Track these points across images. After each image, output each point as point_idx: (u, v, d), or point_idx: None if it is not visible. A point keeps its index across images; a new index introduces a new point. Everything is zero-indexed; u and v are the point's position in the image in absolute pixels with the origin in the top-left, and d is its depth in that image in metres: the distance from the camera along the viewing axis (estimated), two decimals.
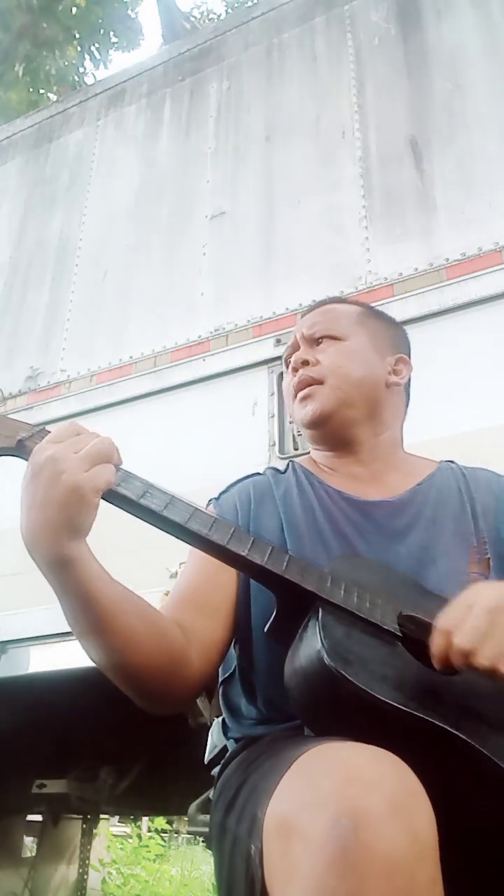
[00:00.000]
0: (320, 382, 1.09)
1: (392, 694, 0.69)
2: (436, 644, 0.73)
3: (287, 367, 1.17)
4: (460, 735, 0.65)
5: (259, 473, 1.13)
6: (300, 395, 1.09)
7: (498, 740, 0.67)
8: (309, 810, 0.54)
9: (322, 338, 1.13)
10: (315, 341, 1.13)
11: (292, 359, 1.13)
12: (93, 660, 0.85)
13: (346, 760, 0.58)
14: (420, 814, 0.54)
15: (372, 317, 1.20)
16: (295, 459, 1.18)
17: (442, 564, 0.95)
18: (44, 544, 0.76)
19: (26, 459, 0.81)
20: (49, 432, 0.83)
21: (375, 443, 1.10)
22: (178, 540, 0.85)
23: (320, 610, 0.78)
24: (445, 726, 0.66)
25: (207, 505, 1.09)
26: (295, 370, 1.11)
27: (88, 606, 0.79)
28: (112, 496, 0.81)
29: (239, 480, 1.12)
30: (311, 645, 0.75)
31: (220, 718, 1.06)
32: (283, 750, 0.74)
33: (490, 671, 0.69)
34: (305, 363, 1.10)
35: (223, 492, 1.11)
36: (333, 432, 1.10)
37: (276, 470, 1.14)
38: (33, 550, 0.77)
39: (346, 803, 0.53)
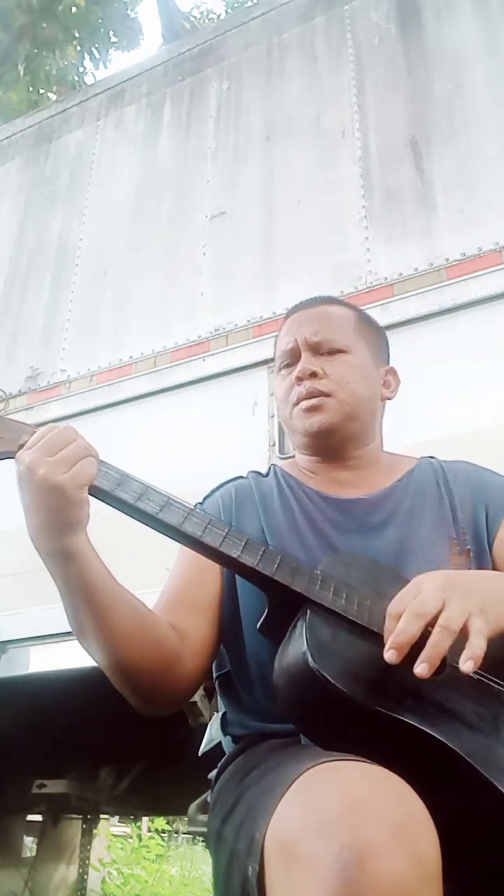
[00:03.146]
0: (328, 395, 1.07)
1: (373, 696, 0.70)
2: (388, 629, 0.73)
3: (281, 368, 1.14)
4: (437, 736, 0.66)
5: (242, 477, 1.15)
6: (306, 404, 1.07)
7: (474, 741, 0.68)
8: (312, 837, 0.55)
9: (331, 350, 1.10)
10: (323, 352, 1.10)
11: (298, 368, 1.09)
12: (93, 658, 0.87)
13: (348, 784, 0.59)
14: (424, 838, 0.55)
15: (364, 324, 1.19)
16: (277, 463, 1.20)
17: (420, 556, 0.96)
18: (43, 542, 0.81)
19: None
20: None
21: (363, 452, 1.12)
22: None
23: (308, 611, 0.80)
24: (423, 727, 0.67)
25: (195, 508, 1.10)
26: (300, 380, 1.08)
27: (88, 601, 0.82)
28: (110, 499, 0.83)
29: (222, 484, 1.14)
30: (297, 646, 0.77)
31: (221, 713, 1.07)
32: (280, 765, 0.74)
33: (460, 625, 0.70)
34: (314, 374, 1.08)
35: (207, 496, 1.13)
36: (332, 445, 1.10)
37: (259, 473, 1.15)
38: (36, 547, 0.82)
39: (350, 832, 0.53)
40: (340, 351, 1.10)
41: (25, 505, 0.81)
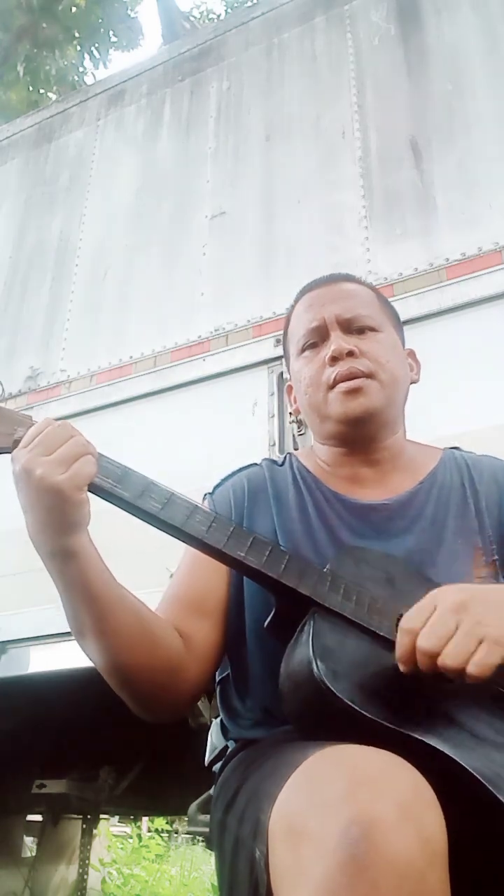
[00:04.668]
0: (369, 376, 0.99)
1: (378, 709, 0.68)
2: (400, 644, 0.72)
3: (304, 349, 1.05)
4: (443, 750, 0.64)
5: (255, 464, 1.09)
6: (347, 386, 0.98)
7: (485, 755, 0.66)
8: (318, 814, 0.54)
9: (363, 328, 1.03)
10: (354, 329, 1.03)
11: (332, 348, 1.00)
12: (93, 661, 0.85)
13: (355, 764, 0.58)
14: (430, 818, 0.54)
15: (385, 302, 1.12)
16: (293, 453, 1.13)
17: (443, 568, 0.91)
18: (43, 542, 0.79)
19: None
20: None
21: (390, 443, 1.05)
22: (177, 541, 0.85)
23: (315, 615, 0.78)
24: (429, 741, 0.65)
25: (203, 500, 1.05)
26: (335, 360, 0.99)
27: (87, 602, 0.80)
28: (109, 496, 0.81)
29: (234, 473, 1.08)
30: (302, 653, 0.75)
31: (219, 719, 1.05)
32: (284, 752, 0.73)
33: (457, 673, 0.68)
34: (351, 354, 0.99)
35: (217, 485, 1.08)
36: (367, 433, 1.02)
37: (273, 462, 1.09)
38: (36, 546, 0.80)
39: (357, 808, 0.52)
40: (372, 329, 1.03)
41: (23, 505, 0.79)
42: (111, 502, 0.81)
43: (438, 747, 0.65)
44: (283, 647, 0.79)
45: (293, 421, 2.18)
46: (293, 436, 2.20)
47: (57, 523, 0.77)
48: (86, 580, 0.79)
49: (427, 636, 0.70)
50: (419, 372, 1.13)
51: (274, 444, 2.23)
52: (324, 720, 0.71)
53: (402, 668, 0.72)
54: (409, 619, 0.73)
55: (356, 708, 0.68)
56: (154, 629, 0.85)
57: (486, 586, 0.81)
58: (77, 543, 0.79)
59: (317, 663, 0.71)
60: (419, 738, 0.66)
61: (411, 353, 1.13)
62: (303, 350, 1.06)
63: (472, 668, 0.68)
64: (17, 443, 0.81)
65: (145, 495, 0.80)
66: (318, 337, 1.04)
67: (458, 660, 0.68)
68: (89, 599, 0.80)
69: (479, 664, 0.68)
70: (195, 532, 0.80)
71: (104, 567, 0.82)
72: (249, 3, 3.47)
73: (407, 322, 2.30)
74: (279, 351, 2.34)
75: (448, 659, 0.68)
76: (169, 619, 0.90)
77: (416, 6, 2.80)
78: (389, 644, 0.78)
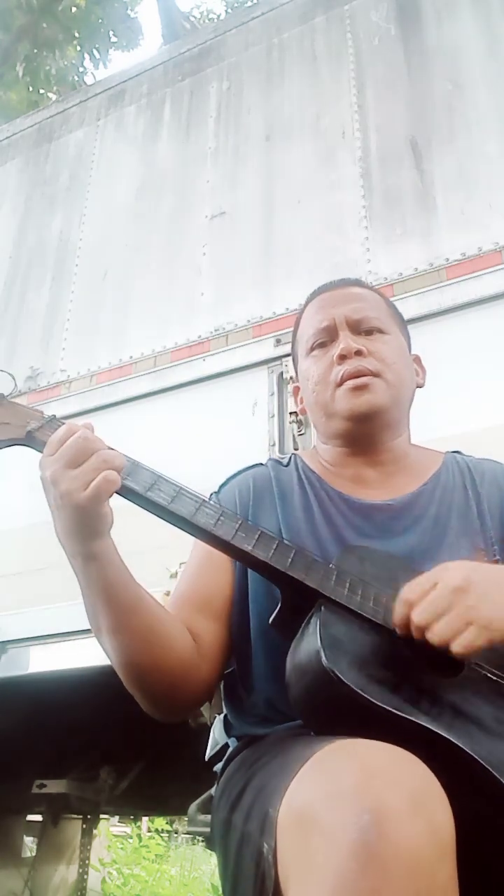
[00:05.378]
0: (376, 374, 1.01)
1: (387, 697, 0.69)
2: (397, 613, 0.77)
3: (313, 348, 1.08)
4: (451, 739, 0.65)
5: (261, 464, 1.11)
6: (354, 383, 1.00)
7: (491, 745, 0.67)
8: (330, 804, 0.54)
9: (371, 329, 1.06)
10: (362, 331, 1.06)
11: (340, 346, 1.02)
12: (109, 658, 0.87)
13: (366, 757, 0.58)
14: (440, 811, 0.55)
15: (393, 308, 1.15)
16: (298, 453, 1.15)
17: None
18: (67, 544, 0.83)
19: (38, 450, 0.85)
20: (61, 422, 0.86)
21: (393, 445, 1.07)
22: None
23: (322, 608, 0.79)
24: (437, 730, 0.66)
25: (208, 498, 1.07)
26: (343, 358, 1.02)
27: (107, 602, 0.83)
28: (119, 489, 0.83)
29: (239, 472, 1.10)
30: (310, 643, 0.75)
31: (223, 716, 1.06)
32: (291, 748, 0.74)
33: (441, 647, 0.72)
34: (359, 353, 1.02)
35: (223, 484, 1.10)
36: (371, 432, 1.04)
37: (278, 462, 1.11)
38: (62, 546, 0.84)
39: (369, 798, 0.53)
40: (380, 331, 1.06)
41: (50, 510, 0.83)
42: (122, 495, 0.84)
43: (445, 735, 0.65)
44: (288, 642, 0.80)
45: (293, 421, 2.18)
46: (293, 436, 2.20)
47: (79, 530, 0.81)
48: (106, 581, 0.83)
49: (421, 612, 0.74)
50: (425, 377, 1.16)
51: (274, 444, 2.23)
52: (331, 709, 0.72)
53: (398, 631, 0.77)
54: (410, 590, 0.77)
55: (365, 695, 0.68)
56: (169, 629, 0.88)
57: (492, 567, 0.83)
58: (98, 547, 0.82)
59: (325, 652, 0.72)
60: (427, 726, 0.66)
61: (417, 359, 1.16)
62: (312, 349, 1.09)
63: (456, 647, 0.71)
64: (30, 434, 0.85)
65: (154, 488, 0.83)
66: (328, 337, 1.07)
67: (444, 638, 0.72)
68: (108, 599, 0.83)
69: (463, 644, 0.71)
70: (203, 524, 0.82)
71: (124, 569, 0.85)
72: (249, 3, 3.47)
73: (407, 322, 2.31)
74: (279, 351, 2.34)
75: (436, 636, 0.72)
76: (178, 618, 0.92)
77: (416, 6, 2.80)
78: (395, 637, 0.78)
